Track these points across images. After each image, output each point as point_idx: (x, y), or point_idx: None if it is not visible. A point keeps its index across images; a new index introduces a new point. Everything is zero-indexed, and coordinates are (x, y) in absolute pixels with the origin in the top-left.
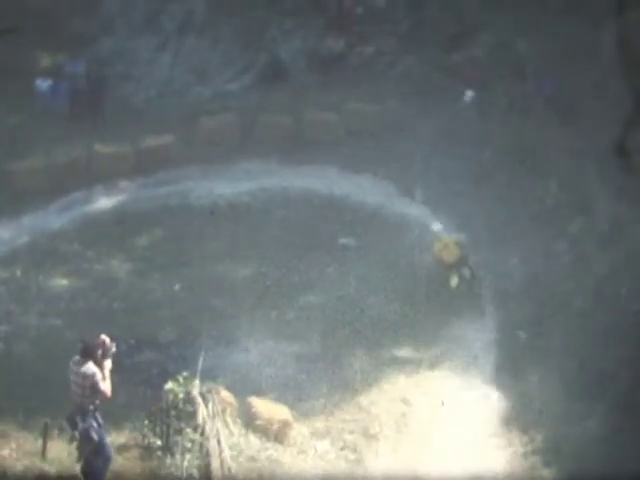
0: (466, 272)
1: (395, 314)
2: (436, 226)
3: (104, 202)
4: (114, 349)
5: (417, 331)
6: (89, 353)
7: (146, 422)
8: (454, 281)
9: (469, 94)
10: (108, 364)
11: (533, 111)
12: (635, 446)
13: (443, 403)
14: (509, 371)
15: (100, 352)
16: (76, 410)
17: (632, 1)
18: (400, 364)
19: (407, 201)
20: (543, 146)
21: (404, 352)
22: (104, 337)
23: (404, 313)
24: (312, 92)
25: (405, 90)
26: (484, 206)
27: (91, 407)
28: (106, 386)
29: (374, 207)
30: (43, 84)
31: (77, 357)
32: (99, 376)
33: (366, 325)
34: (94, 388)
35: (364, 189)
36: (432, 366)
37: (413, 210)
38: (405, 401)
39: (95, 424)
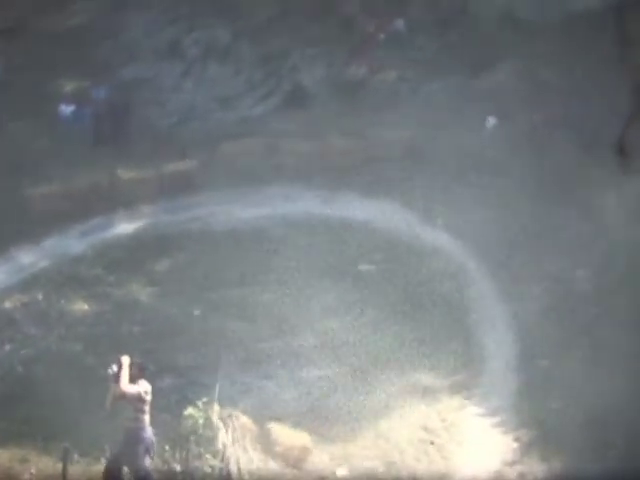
0: None
1: (415, 341)
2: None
3: (126, 227)
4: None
5: (437, 358)
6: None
7: (166, 448)
8: None
9: (492, 121)
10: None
11: (556, 139)
12: None
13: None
14: (530, 399)
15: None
16: None
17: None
18: (420, 391)
19: (428, 228)
20: (566, 173)
21: (424, 379)
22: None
23: (425, 340)
24: (335, 118)
25: (427, 117)
26: (505, 234)
27: None
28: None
29: (395, 234)
30: (67, 109)
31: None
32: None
33: (386, 352)
34: None
35: (385, 215)
36: (452, 393)
37: (434, 237)
38: (425, 428)
39: None
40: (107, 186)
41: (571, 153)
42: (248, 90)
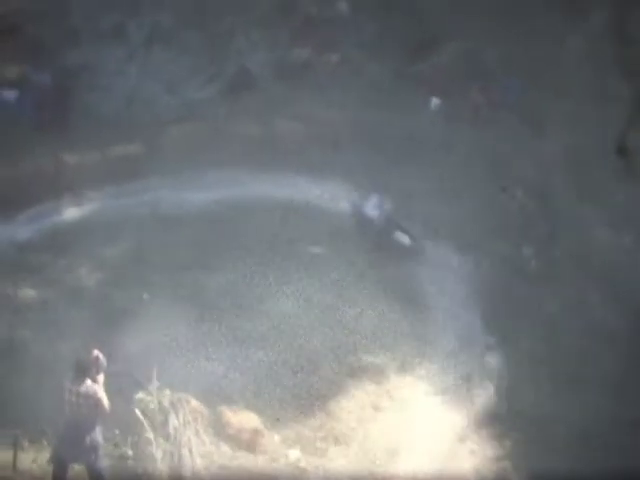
0: None
1: (364, 321)
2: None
3: (73, 212)
4: (105, 363)
5: (386, 338)
6: (85, 370)
7: (117, 432)
8: None
9: (435, 102)
10: (101, 379)
11: (498, 119)
12: (603, 451)
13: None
14: (477, 377)
15: (95, 368)
16: (74, 426)
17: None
18: (369, 371)
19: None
20: (509, 153)
21: (373, 359)
22: (97, 352)
23: (373, 320)
24: (280, 101)
25: (371, 98)
26: (450, 214)
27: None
28: (106, 402)
29: (343, 215)
30: (8, 94)
31: (71, 375)
32: (101, 394)
33: (335, 332)
34: (97, 406)
35: (333, 197)
36: (401, 372)
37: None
38: (375, 407)
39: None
40: (53, 172)
41: (513, 132)
42: (193, 74)
